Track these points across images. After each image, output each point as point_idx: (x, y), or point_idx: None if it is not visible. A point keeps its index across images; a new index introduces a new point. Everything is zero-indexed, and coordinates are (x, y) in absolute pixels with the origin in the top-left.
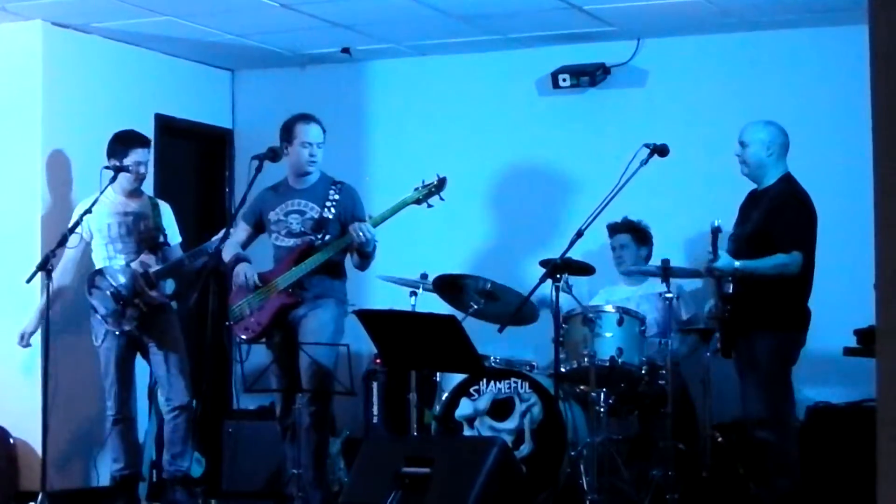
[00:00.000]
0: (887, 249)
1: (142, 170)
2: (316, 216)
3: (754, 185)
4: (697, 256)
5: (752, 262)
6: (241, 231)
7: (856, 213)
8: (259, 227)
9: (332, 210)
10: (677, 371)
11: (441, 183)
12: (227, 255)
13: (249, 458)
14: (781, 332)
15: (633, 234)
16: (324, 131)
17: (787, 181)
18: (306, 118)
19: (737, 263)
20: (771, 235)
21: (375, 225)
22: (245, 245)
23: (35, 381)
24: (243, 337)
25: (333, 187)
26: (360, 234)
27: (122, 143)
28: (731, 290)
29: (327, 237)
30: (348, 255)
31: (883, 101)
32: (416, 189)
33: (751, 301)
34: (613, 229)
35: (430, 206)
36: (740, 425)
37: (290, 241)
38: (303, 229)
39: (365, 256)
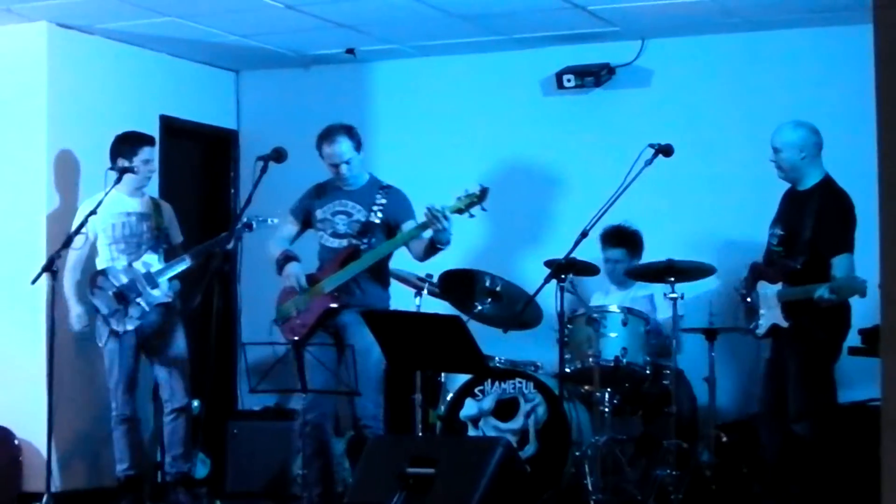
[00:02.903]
0: (891, 249)
1: (152, 166)
2: (363, 219)
3: (759, 186)
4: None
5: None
6: (288, 226)
7: (860, 214)
8: (307, 223)
9: (379, 214)
10: (680, 370)
11: (483, 193)
12: (274, 249)
13: (254, 459)
14: (826, 332)
15: (628, 246)
16: (353, 140)
17: (829, 184)
18: (331, 136)
19: (827, 294)
20: (821, 242)
21: (414, 236)
22: (292, 241)
23: (40, 382)
24: (296, 338)
25: (381, 191)
26: (438, 220)
27: (130, 142)
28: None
29: (372, 241)
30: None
31: (887, 102)
32: (459, 198)
33: (798, 303)
34: (608, 242)
35: (471, 216)
36: (744, 424)
37: (335, 242)
38: (348, 231)
39: (436, 249)
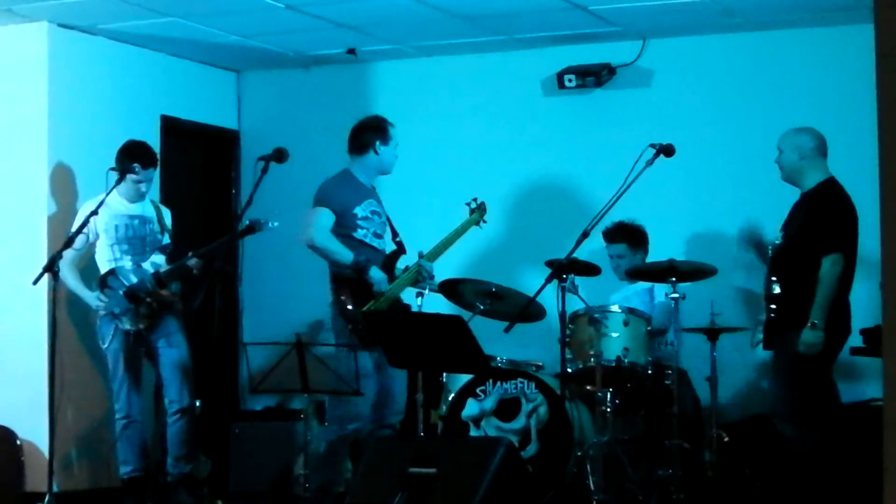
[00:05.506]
0: (893, 249)
1: (148, 187)
2: (386, 221)
3: (761, 185)
4: None
5: (818, 303)
6: (331, 217)
7: (862, 214)
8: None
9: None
10: (684, 370)
11: (483, 207)
12: (337, 245)
13: (256, 460)
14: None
15: (629, 241)
16: None
17: (828, 184)
18: (388, 121)
19: (814, 327)
20: (811, 238)
21: (440, 252)
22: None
23: (41, 382)
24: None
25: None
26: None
27: (141, 159)
28: (776, 291)
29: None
30: None
31: (888, 100)
32: (473, 216)
33: (793, 301)
34: (610, 238)
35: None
36: (747, 425)
37: (377, 243)
38: (381, 231)
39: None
